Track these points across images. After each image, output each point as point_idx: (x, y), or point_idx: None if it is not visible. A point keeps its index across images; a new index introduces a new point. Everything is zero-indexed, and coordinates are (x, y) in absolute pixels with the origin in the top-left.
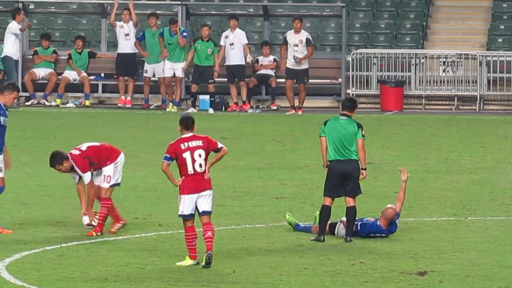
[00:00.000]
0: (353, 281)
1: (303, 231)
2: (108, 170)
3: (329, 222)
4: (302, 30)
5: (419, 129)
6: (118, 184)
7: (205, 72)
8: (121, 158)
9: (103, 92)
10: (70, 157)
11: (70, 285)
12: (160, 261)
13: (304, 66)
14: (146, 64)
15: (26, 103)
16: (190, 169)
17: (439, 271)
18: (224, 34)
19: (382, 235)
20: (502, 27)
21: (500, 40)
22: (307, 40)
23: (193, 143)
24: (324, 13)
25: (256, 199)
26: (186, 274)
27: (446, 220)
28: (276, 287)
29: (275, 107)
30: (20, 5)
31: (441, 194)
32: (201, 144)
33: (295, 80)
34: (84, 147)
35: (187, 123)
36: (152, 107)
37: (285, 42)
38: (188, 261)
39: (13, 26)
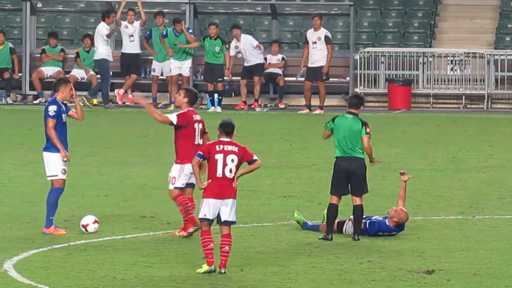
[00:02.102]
0: (361, 280)
1: (311, 230)
2: (174, 170)
3: (337, 221)
4: (322, 28)
5: (426, 128)
6: (182, 189)
7: (215, 70)
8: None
9: (111, 90)
10: (187, 109)
11: (77, 284)
12: (168, 259)
13: (322, 63)
14: (154, 63)
15: (34, 102)
16: (219, 172)
17: (447, 269)
18: (232, 45)
19: (391, 234)
20: (510, 25)
21: (507, 38)
22: (326, 37)
23: (228, 147)
24: (332, 12)
25: (264, 198)
26: (194, 273)
27: (453, 218)
28: (284, 285)
29: (283, 106)
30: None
31: (449, 192)
32: (237, 151)
33: (313, 81)
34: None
35: (227, 128)
36: (160, 105)
37: (306, 41)
38: (205, 267)
39: (102, 29)
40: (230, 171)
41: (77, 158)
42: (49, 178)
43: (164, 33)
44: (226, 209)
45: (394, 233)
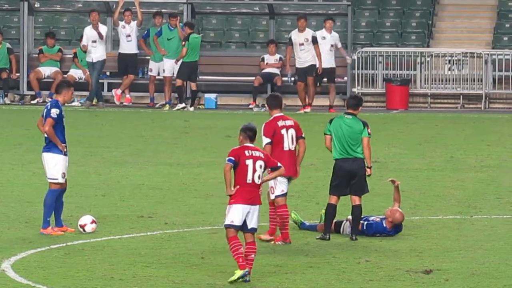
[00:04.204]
0: (358, 280)
1: (308, 230)
2: (272, 180)
3: (335, 221)
4: (307, 29)
5: (424, 128)
6: (284, 195)
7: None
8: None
9: (108, 90)
10: (274, 116)
11: (75, 284)
12: (165, 259)
13: (312, 62)
14: (151, 63)
15: (32, 102)
16: (249, 178)
17: (445, 269)
18: (319, 35)
19: (389, 234)
20: (507, 25)
21: (505, 38)
22: (313, 38)
23: (256, 153)
24: (329, 12)
25: (262, 197)
26: (192, 273)
27: (451, 218)
28: (281, 285)
29: None
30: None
31: (447, 192)
32: (263, 157)
33: (305, 82)
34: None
35: (252, 133)
36: (158, 105)
37: (290, 43)
38: (238, 273)
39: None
40: (259, 177)
41: (75, 158)
42: (49, 180)
43: (158, 30)
44: (254, 215)
45: (391, 234)
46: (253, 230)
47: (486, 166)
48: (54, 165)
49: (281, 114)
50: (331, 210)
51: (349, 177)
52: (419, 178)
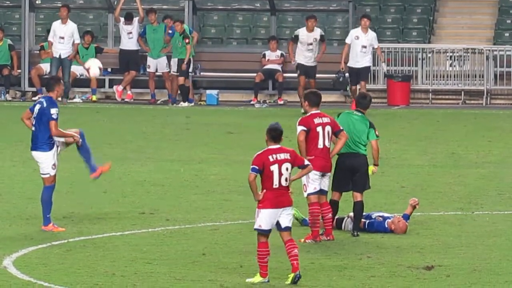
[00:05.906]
0: (360, 276)
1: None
2: (305, 178)
3: (336, 217)
4: (315, 27)
5: (426, 124)
6: (316, 192)
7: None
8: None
9: (109, 87)
10: (311, 112)
11: (77, 280)
12: (167, 256)
13: (315, 62)
14: (148, 59)
15: (33, 98)
16: (275, 183)
17: (446, 265)
18: (352, 34)
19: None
20: (508, 21)
21: (506, 34)
22: (321, 36)
23: (281, 156)
24: (331, 8)
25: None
26: (193, 269)
27: (453, 214)
28: (283, 281)
29: (282, 102)
30: None
31: (448, 188)
32: (289, 158)
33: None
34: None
35: (276, 134)
36: (159, 102)
37: (296, 40)
38: (258, 278)
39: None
40: (286, 179)
41: (76, 154)
42: (42, 176)
43: (142, 30)
44: (286, 216)
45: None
46: (288, 229)
47: (488, 162)
48: (46, 160)
49: (319, 111)
50: (333, 206)
51: (351, 172)
52: (421, 174)
